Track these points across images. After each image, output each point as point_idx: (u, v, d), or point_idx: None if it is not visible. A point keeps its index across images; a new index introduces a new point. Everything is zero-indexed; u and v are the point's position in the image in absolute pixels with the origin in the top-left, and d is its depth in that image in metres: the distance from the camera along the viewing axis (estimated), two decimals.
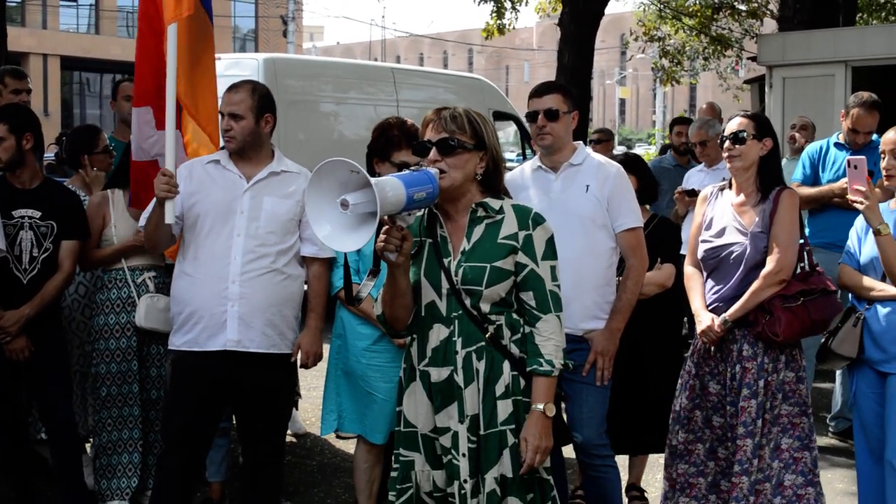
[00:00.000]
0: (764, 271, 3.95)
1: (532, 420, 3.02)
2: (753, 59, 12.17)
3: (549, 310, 3.04)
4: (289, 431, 6.06)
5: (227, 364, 3.94)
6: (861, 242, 4.11)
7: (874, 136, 5.98)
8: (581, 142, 4.21)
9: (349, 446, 5.38)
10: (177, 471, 4.03)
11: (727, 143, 4.05)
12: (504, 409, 3.02)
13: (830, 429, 6.15)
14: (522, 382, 3.05)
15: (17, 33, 28.69)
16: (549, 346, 3.03)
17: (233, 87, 4.08)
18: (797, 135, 7.85)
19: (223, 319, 3.92)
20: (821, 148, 6.15)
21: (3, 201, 4.41)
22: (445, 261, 3.04)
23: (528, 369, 3.03)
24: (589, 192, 4.01)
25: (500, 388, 3.02)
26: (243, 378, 3.98)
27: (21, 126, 4.45)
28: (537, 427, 3.00)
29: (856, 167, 3.90)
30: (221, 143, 4.23)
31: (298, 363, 4.21)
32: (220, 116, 4.04)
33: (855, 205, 3.93)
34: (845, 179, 5.63)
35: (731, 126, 4.08)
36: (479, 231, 3.06)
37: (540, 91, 4.10)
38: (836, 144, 6.08)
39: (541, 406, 3.01)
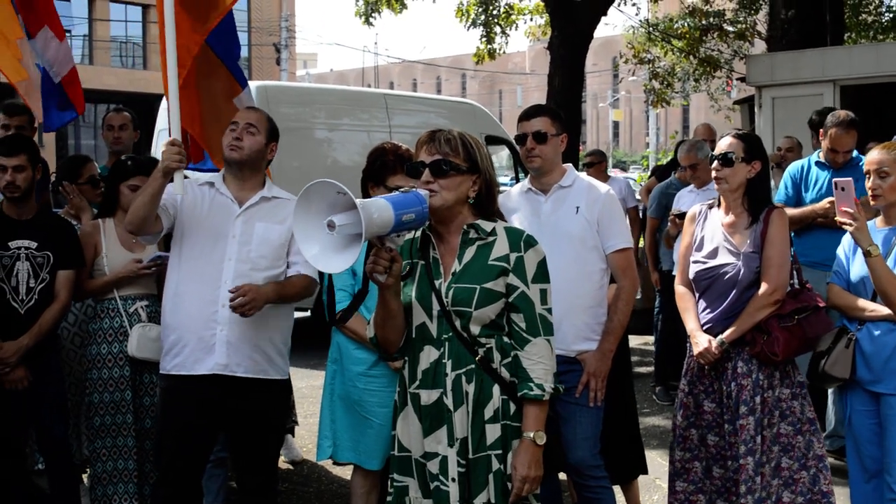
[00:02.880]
0: (759, 292, 3.97)
1: (521, 448, 2.99)
2: (743, 79, 12.24)
3: (538, 333, 3.01)
4: (286, 458, 6.06)
5: (215, 389, 3.92)
6: (849, 262, 4.12)
7: (854, 153, 6.03)
8: (570, 164, 4.24)
9: (346, 472, 5.38)
10: (170, 500, 4.01)
11: (715, 164, 4.07)
12: (492, 433, 2.98)
13: (825, 447, 6.13)
14: (513, 407, 3.01)
15: None
16: (539, 370, 3.00)
17: (252, 107, 4.21)
18: (775, 166, 7.79)
19: (212, 343, 3.91)
20: (802, 167, 6.12)
21: (0, 232, 4.43)
22: (437, 282, 3.03)
23: (518, 394, 3.00)
24: (579, 214, 4.03)
25: (489, 412, 2.99)
26: (232, 403, 3.95)
27: (36, 158, 4.53)
28: (526, 456, 2.97)
29: (843, 189, 3.91)
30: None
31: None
32: (231, 129, 4.03)
33: (844, 227, 3.94)
34: (828, 199, 5.68)
35: (721, 146, 4.09)
36: (470, 252, 3.04)
37: (529, 114, 4.14)
38: (818, 163, 6.06)
39: (531, 434, 2.98)
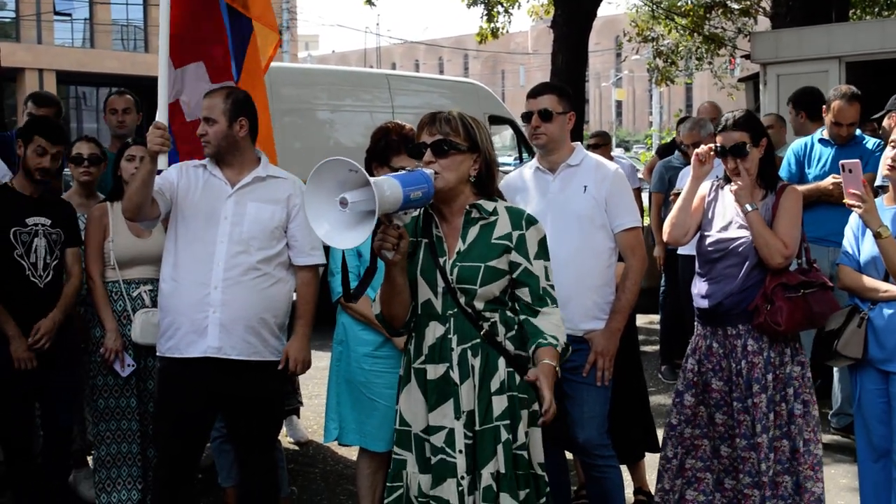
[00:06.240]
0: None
1: (542, 366, 2.94)
2: (747, 56, 12.17)
3: (546, 304, 3.09)
4: (291, 439, 6.06)
5: (208, 371, 3.91)
6: (859, 242, 4.10)
7: (857, 132, 6.01)
8: (579, 143, 4.22)
9: (352, 453, 5.38)
10: (170, 481, 4.01)
11: (730, 162, 4.04)
12: (499, 404, 3.05)
13: (832, 425, 6.15)
14: (518, 378, 3.08)
15: (11, 49, 28.70)
16: (550, 326, 3.05)
17: (209, 93, 4.09)
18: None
19: (204, 325, 3.89)
20: (805, 145, 6.15)
21: (18, 209, 4.46)
22: (441, 260, 3.10)
23: (530, 348, 3.04)
24: (587, 193, 4.02)
25: (495, 384, 3.05)
26: (226, 386, 3.94)
27: (61, 142, 4.58)
28: (543, 373, 2.92)
29: (850, 171, 3.89)
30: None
31: (289, 371, 4.18)
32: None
33: (853, 209, 3.92)
34: (832, 176, 5.68)
35: (728, 141, 4.05)
36: (473, 232, 3.11)
37: (536, 92, 4.13)
38: (821, 140, 6.08)
39: (547, 360, 2.95)
